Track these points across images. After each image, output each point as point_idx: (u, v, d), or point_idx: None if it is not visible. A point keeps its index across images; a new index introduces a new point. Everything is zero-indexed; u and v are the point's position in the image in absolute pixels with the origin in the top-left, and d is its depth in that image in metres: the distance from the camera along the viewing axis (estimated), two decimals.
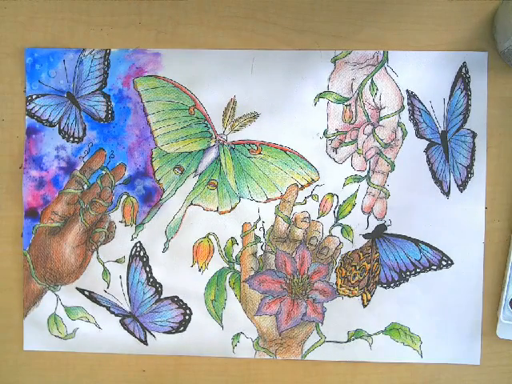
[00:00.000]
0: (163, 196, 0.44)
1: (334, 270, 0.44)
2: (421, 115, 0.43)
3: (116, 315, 0.45)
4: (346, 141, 0.44)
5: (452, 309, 0.44)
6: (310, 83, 0.44)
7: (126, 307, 0.45)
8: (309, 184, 0.44)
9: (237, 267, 0.44)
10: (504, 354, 0.44)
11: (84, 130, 0.45)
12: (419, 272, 0.44)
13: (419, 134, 0.43)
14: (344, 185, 0.44)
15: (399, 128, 0.43)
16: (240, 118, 0.44)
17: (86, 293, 0.45)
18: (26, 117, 0.45)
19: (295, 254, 0.44)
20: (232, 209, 0.44)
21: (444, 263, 0.44)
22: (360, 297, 0.44)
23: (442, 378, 0.44)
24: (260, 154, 0.44)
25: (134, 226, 0.45)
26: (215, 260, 0.44)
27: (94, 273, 0.45)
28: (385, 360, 0.44)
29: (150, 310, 0.45)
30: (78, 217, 0.45)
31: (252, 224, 0.44)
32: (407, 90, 0.43)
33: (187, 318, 0.45)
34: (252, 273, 0.44)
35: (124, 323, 0.45)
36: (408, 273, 0.44)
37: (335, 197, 0.44)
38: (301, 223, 0.44)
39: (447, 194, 0.44)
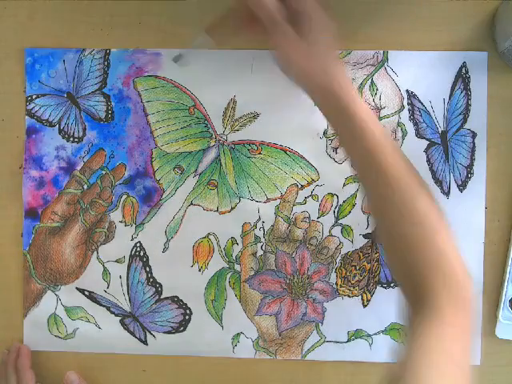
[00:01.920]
0: (163, 196, 0.44)
1: (334, 270, 0.44)
2: (421, 115, 0.43)
3: (116, 315, 0.45)
4: None
5: None
6: None
7: (126, 307, 0.45)
8: (309, 184, 0.44)
9: (237, 267, 0.44)
10: (504, 354, 0.44)
11: (84, 130, 0.45)
12: None
13: (419, 134, 0.43)
14: (344, 185, 0.44)
15: (399, 128, 0.43)
16: (240, 117, 0.44)
17: (86, 293, 0.45)
18: (26, 117, 0.45)
19: (295, 253, 0.44)
20: (232, 209, 0.44)
21: None
22: (360, 297, 0.44)
23: None
24: (260, 154, 0.44)
25: (133, 225, 0.45)
26: (215, 260, 0.44)
27: (93, 273, 0.45)
28: (385, 360, 0.44)
29: (150, 310, 0.45)
30: (78, 217, 0.45)
31: (252, 224, 0.44)
32: (407, 90, 0.43)
33: (187, 317, 0.45)
34: (252, 273, 0.44)
35: (124, 323, 0.45)
36: None
37: (335, 197, 0.44)
38: (301, 223, 0.44)
39: (447, 193, 0.44)
